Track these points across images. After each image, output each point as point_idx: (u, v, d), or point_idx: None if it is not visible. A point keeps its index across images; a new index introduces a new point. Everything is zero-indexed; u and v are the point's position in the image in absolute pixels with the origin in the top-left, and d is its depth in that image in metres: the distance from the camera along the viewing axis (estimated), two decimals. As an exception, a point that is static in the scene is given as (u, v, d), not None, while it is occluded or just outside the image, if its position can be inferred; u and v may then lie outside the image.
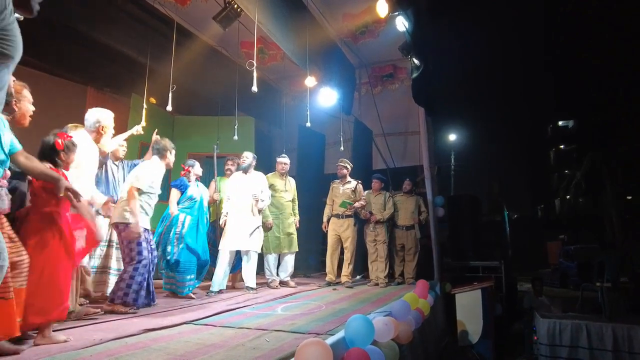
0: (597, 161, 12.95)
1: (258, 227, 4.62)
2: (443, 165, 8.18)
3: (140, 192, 3.36)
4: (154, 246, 3.62)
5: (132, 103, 6.18)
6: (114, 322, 2.88)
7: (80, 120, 3.56)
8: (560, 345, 5.24)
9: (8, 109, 2.53)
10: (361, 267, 6.19)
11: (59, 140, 2.48)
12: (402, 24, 4.88)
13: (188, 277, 4.14)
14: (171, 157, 3.69)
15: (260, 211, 4.71)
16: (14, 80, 2.61)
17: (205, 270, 4.50)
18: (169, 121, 7.04)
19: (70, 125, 3.20)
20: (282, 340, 2.37)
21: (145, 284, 3.38)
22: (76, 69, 6.11)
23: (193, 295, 4.14)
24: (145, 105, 4.99)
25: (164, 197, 5.40)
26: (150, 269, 3.47)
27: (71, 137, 2.60)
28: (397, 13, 4.83)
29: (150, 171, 3.49)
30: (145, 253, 3.35)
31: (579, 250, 12.23)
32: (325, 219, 5.66)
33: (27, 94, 2.55)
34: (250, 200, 4.59)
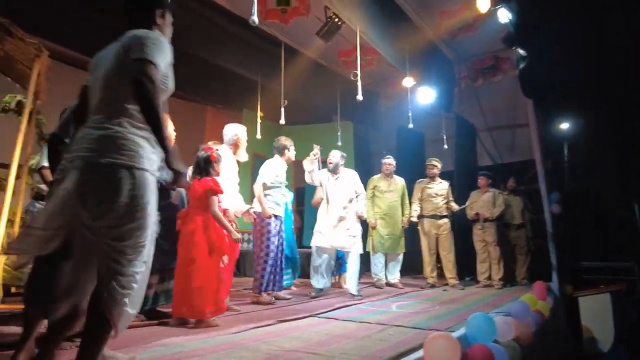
0: None
1: (353, 228, 4.48)
2: (556, 159, 7.54)
3: (265, 186, 3.94)
4: (283, 233, 4.09)
5: (244, 117, 6.83)
6: (250, 314, 3.30)
7: (203, 135, 4.16)
8: None
9: None
10: (469, 268, 6.03)
11: (214, 153, 2.96)
12: (505, 15, 4.70)
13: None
14: (290, 153, 4.19)
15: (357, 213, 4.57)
16: None
17: (298, 266, 4.81)
18: (277, 132, 7.61)
19: (210, 142, 3.72)
20: (404, 334, 2.52)
21: (276, 271, 3.91)
22: (197, 91, 6.95)
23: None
24: (259, 120, 5.50)
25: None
26: (279, 256, 3.96)
27: (217, 150, 3.11)
28: (499, 6, 4.67)
29: (271, 167, 4.05)
30: (272, 247, 3.85)
31: None
32: (413, 219, 5.46)
33: (169, 121, 3.14)
34: (344, 202, 4.49)
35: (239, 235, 2.95)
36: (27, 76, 3.87)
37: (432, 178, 5.56)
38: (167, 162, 1.55)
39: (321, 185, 4.63)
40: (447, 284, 5.38)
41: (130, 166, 1.48)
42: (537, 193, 5.79)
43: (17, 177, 3.21)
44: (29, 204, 3.13)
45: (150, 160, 1.56)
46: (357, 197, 4.62)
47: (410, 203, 5.57)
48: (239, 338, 2.44)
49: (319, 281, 4.43)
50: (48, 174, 2.80)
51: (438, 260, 5.54)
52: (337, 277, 5.34)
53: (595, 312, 5.08)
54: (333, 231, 4.42)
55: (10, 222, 3.16)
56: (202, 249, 2.79)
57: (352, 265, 4.42)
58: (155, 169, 1.59)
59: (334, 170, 4.62)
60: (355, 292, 4.30)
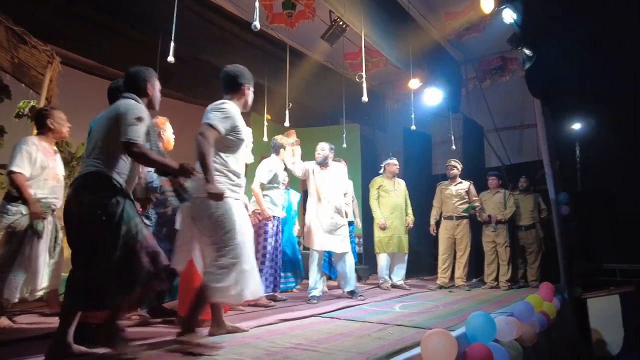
0: None
1: (343, 226, 4.25)
2: (567, 159, 7.45)
3: (263, 186, 3.92)
4: (280, 235, 4.07)
5: (251, 120, 6.90)
6: (253, 313, 3.35)
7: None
8: None
9: (161, 139, 3.23)
10: (476, 269, 6.00)
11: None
12: (509, 16, 4.70)
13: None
14: (285, 153, 4.13)
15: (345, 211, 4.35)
16: (158, 116, 3.29)
17: (301, 269, 4.71)
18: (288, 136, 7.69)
19: None
20: (404, 333, 2.54)
21: (275, 273, 3.90)
22: (205, 95, 7.02)
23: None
24: (266, 123, 5.56)
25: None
26: (278, 257, 3.96)
27: None
28: (503, 7, 4.67)
29: (267, 167, 4.00)
30: (269, 248, 3.85)
31: None
32: (432, 222, 5.54)
33: (169, 126, 3.32)
34: (335, 197, 4.24)
35: None
36: (39, 82, 4.00)
37: (453, 179, 5.51)
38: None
39: (306, 178, 4.34)
40: (453, 285, 5.37)
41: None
42: (546, 193, 5.74)
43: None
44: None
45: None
46: (345, 195, 4.46)
47: (433, 206, 5.60)
48: (240, 336, 2.49)
49: (314, 291, 4.09)
50: (18, 178, 2.86)
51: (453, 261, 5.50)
52: (331, 280, 5.33)
53: (604, 314, 5.02)
54: (325, 233, 4.14)
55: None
56: None
57: (349, 263, 4.20)
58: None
59: (323, 163, 4.32)
60: (354, 289, 4.20)
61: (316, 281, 4.11)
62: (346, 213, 4.44)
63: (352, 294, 4.19)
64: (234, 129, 2.36)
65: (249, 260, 2.35)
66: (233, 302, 2.45)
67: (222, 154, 2.38)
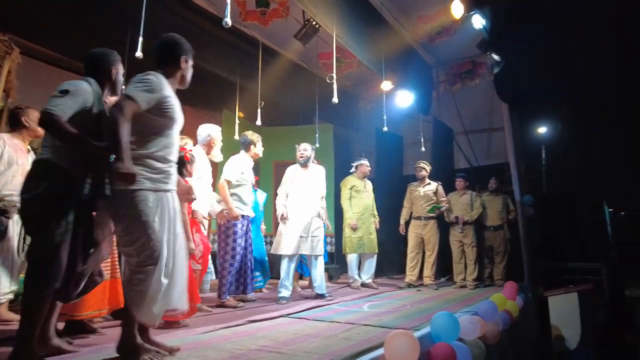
0: None
1: (319, 228, 4.29)
2: (533, 162, 7.71)
3: (230, 184, 3.77)
4: (250, 234, 3.98)
5: (223, 118, 6.81)
6: (221, 314, 3.30)
7: (181, 136, 4.11)
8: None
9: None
10: (444, 269, 6.13)
11: (187, 154, 2.95)
12: (478, 22, 4.81)
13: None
14: (256, 149, 4.02)
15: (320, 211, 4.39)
16: None
17: (268, 269, 4.73)
18: (257, 133, 7.62)
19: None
20: (370, 333, 2.56)
21: (242, 273, 3.84)
22: (175, 92, 6.90)
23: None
24: (237, 121, 5.50)
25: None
26: (248, 257, 3.87)
27: (191, 150, 3.08)
28: (473, 13, 4.78)
29: (236, 164, 3.86)
30: (238, 249, 3.75)
31: None
32: (402, 222, 5.66)
33: None
34: (313, 198, 4.30)
35: (193, 246, 2.84)
36: (-4, 74, 3.80)
37: (421, 180, 5.63)
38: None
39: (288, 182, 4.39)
40: (422, 283, 5.46)
41: None
42: (512, 195, 5.92)
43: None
44: None
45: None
46: (322, 198, 4.50)
47: (404, 206, 5.72)
48: (206, 338, 2.45)
49: (283, 291, 4.11)
50: None
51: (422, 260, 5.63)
52: (303, 279, 5.32)
53: (564, 311, 5.22)
54: (301, 236, 4.16)
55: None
56: None
57: (321, 267, 4.26)
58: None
59: (305, 164, 4.40)
60: (324, 292, 4.24)
61: (286, 281, 4.10)
62: (321, 215, 4.46)
63: (321, 297, 4.21)
64: (160, 105, 1.96)
65: (175, 265, 1.98)
66: (150, 320, 1.96)
67: (143, 136, 1.97)
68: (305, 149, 4.40)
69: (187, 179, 2.96)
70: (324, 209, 4.78)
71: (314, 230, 4.22)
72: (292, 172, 4.43)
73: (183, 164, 2.93)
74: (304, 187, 4.31)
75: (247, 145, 4.00)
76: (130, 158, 1.81)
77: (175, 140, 2.09)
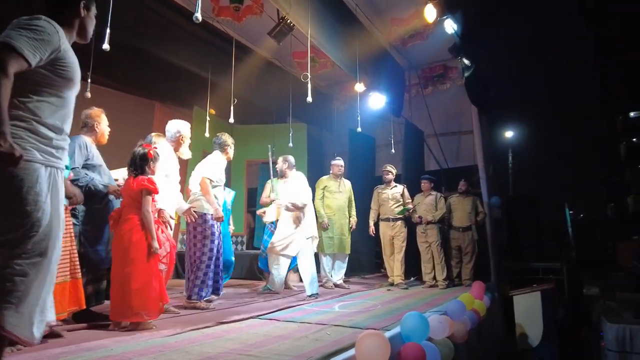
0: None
1: (306, 230, 4.50)
2: (500, 165, 7.93)
3: (211, 182, 3.66)
4: (221, 236, 3.90)
5: (194, 115, 6.66)
6: (190, 316, 3.21)
7: (150, 131, 3.99)
8: (631, 352, 4.97)
9: (91, 130, 3.02)
10: (415, 269, 6.22)
11: (151, 151, 2.84)
12: (450, 26, 4.91)
13: None
14: (231, 152, 3.98)
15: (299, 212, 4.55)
16: (93, 107, 3.08)
17: (231, 269, 4.71)
18: (228, 131, 7.44)
19: (154, 134, 3.57)
20: (341, 334, 2.55)
21: (219, 275, 3.77)
22: (144, 86, 6.69)
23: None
24: (208, 118, 5.38)
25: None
26: (220, 259, 3.80)
27: (156, 148, 2.97)
28: (445, 17, 4.87)
29: (217, 163, 3.78)
30: (214, 250, 3.67)
31: (657, 252, 11.27)
32: (371, 223, 5.75)
33: (104, 117, 3.08)
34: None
35: (157, 245, 2.74)
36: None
37: (388, 183, 5.76)
38: None
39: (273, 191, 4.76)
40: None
41: None
42: (480, 197, 6.07)
43: None
44: None
45: None
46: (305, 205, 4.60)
47: (371, 208, 5.80)
48: (173, 340, 2.37)
49: (274, 284, 4.57)
50: None
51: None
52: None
53: (528, 309, 5.40)
54: (289, 240, 4.42)
55: None
56: (141, 249, 2.68)
57: (310, 266, 4.38)
58: None
59: (282, 175, 4.68)
60: (316, 292, 4.32)
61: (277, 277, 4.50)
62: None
63: (310, 296, 4.27)
64: (55, 62, 1.57)
65: (48, 265, 1.55)
66: (19, 334, 1.46)
67: (31, 97, 1.55)
68: (278, 162, 4.71)
69: (150, 176, 2.86)
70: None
71: (301, 232, 4.48)
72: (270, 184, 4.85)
73: (146, 160, 2.82)
74: (283, 196, 4.59)
75: (222, 146, 3.91)
76: (9, 133, 1.38)
77: (71, 108, 1.70)
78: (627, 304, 6.23)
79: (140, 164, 2.80)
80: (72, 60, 1.65)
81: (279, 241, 4.44)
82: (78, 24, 1.75)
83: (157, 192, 2.80)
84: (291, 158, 4.70)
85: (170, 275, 3.49)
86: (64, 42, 1.62)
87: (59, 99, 1.62)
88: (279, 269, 4.55)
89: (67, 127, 1.68)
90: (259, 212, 4.74)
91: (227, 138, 3.94)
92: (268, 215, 5.02)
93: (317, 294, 4.31)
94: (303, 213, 4.48)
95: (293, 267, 5.05)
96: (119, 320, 2.68)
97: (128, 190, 2.78)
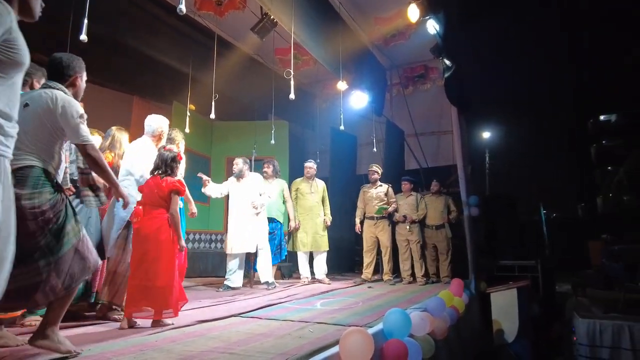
0: (642, 157, 12.35)
1: (261, 228, 4.86)
2: (478, 165, 8.08)
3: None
4: None
5: (173, 110, 6.54)
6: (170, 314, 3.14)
7: (128, 126, 3.89)
8: (601, 346, 5.15)
9: None
10: (395, 265, 6.30)
11: (181, 153, 2.99)
12: (432, 27, 4.96)
13: None
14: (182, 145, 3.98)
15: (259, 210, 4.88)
16: None
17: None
18: (209, 127, 7.37)
19: (114, 127, 3.45)
20: (324, 331, 2.55)
21: None
22: (123, 80, 6.51)
23: None
24: (188, 113, 5.29)
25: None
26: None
27: (169, 147, 3.08)
28: (427, 17, 4.91)
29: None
30: None
31: (625, 251, 11.72)
32: (357, 221, 5.89)
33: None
34: (248, 206, 4.79)
35: (184, 244, 2.85)
36: None
37: (373, 182, 5.87)
38: None
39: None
40: (379, 280, 5.72)
41: None
42: (458, 196, 6.18)
43: None
44: None
45: None
46: (261, 195, 4.87)
47: (357, 207, 5.96)
48: (153, 339, 2.32)
49: (232, 282, 4.74)
50: None
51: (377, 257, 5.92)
52: (253, 273, 5.31)
53: (504, 306, 5.53)
54: (243, 237, 4.73)
55: None
56: (169, 247, 2.74)
57: (266, 257, 4.82)
58: None
59: (239, 176, 4.89)
60: (270, 280, 4.76)
61: (232, 272, 4.72)
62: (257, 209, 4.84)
63: (268, 284, 4.78)
64: (5, 43, 1.43)
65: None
66: None
67: None
68: (236, 163, 4.93)
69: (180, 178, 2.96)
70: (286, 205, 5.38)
71: (255, 229, 4.83)
72: (227, 183, 4.98)
73: (176, 162, 2.91)
74: (240, 196, 4.87)
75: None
76: None
77: (18, 94, 1.56)
78: (597, 300, 6.45)
79: (172, 165, 2.87)
80: (22, 42, 1.51)
81: (234, 239, 4.74)
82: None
83: (183, 194, 2.94)
84: (277, 163, 5.14)
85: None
86: (15, 22, 1.49)
87: (5, 85, 1.47)
88: (237, 265, 4.80)
89: (15, 114, 1.54)
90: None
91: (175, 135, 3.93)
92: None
93: (272, 282, 4.81)
94: (258, 212, 4.83)
95: (276, 264, 5.22)
96: (134, 317, 2.70)
97: (155, 189, 2.80)
